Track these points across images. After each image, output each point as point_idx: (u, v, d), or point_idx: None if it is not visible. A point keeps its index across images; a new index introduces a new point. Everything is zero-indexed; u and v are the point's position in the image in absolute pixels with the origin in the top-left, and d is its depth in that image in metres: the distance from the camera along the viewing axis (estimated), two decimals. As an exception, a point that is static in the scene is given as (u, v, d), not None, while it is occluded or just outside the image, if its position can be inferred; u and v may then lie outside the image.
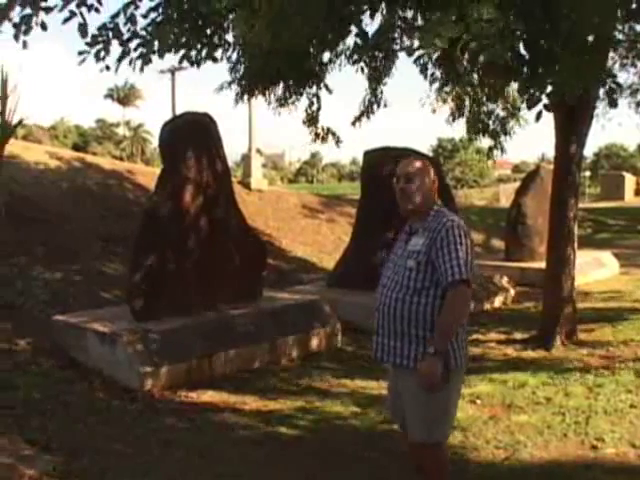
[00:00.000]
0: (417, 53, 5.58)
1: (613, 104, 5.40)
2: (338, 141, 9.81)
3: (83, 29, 6.24)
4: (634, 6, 5.49)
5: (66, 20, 6.33)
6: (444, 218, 3.47)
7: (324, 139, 9.72)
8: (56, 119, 73.09)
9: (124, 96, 74.41)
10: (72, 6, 6.29)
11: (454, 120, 10.32)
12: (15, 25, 6.19)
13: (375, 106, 9.68)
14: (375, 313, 3.58)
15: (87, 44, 6.43)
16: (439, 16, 4.81)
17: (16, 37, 6.22)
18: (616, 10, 5.42)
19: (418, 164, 3.60)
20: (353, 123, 9.87)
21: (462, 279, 3.29)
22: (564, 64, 5.08)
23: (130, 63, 6.54)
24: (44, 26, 6.28)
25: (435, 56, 7.63)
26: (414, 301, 3.39)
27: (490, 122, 9.64)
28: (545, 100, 5.34)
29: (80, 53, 6.46)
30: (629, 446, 4.81)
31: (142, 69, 6.61)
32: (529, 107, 5.38)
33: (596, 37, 5.53)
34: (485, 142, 10.82)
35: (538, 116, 5.40)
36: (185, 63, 6.95)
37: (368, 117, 9.77)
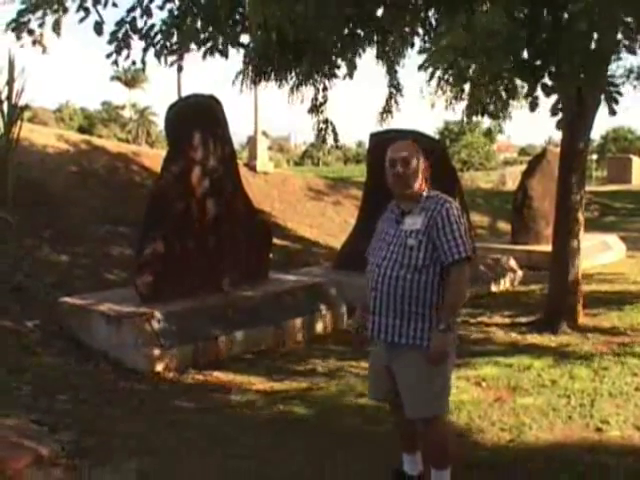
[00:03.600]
0: (429, 70, 5.53)
1: (612, 113, 5.36)
2: (336, 140, 9.67)
3: (99, 27, 6.26)
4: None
5: (82, 20, 6.35)
6: (441, 199, 3.58)
7: (324, 139, 9.59)
8: (61, 102, 73.07)
9: (131, 78, 74.12)
10: (88, 4, 6.32)
11: (456, 101, 10.14)
12: (31, 31, 6.26)
13: (398, 94, 9.59)
14: (372, 293, 3.67)
15: (109, 42, 6.46)
16: (448, 24, 4.85)
17: (34, 43, 6.27)
18: (621, 21, 5.42)
19: (411, 147, 3.68)
20: (381, 117, 9.77)
21: (467, 256, 3.46)
22: (567, 70, 5.11)
23: (156, 55, 6.56)
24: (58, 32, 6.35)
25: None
26: (415, 279, 3.49)
27: (491, 104, 9.49)
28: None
29: (108, 56, 6.51)
30: (634, 429, 4.82)
31: (166, 61, 6.63)
32: (552, 114, 5.31)
33: (599, 45, 5.50)
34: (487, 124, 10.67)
35: (559, 124, 5.33)
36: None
37: (397, 108, 9.68)
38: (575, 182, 7.69)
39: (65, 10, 6.26)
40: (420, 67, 5.53)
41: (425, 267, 3.48)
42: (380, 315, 3.62)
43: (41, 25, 6.28)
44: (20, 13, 6.22)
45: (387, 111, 9.75)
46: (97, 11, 6.40)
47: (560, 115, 5.25)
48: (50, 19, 6.25)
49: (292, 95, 8.99)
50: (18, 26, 6.25)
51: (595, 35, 5.27)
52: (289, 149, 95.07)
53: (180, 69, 6.82)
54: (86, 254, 9.15)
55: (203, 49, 6.84)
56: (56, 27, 6.28)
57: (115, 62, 6.71)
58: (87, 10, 6.35)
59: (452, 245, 3.43)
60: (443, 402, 3.63)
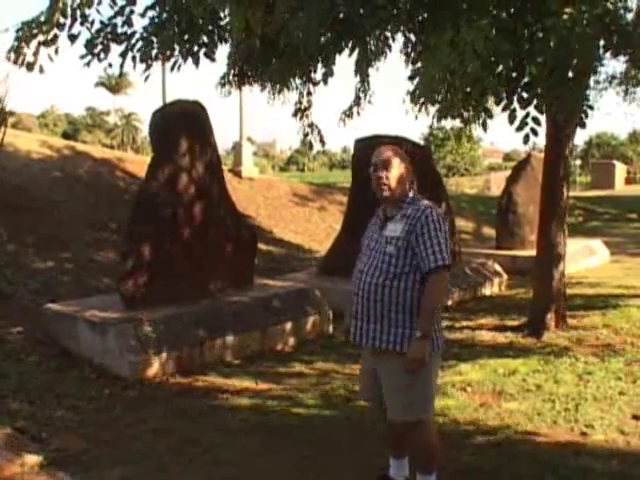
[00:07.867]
0: (420, 99, 5.56)
1: (582, 126, 5.45)
2: (323, 142, 9.58)
3: (90, 45, 6.27)
4: (615, 40, 5.52)
5: (73, 41, 6.34)
6: (422, 205, 3.57)
7: (311, 145, 9.51)
8: (46, 107, 72.79)
9: (115, 84, 73.90)
10: (76, 26, 6.33)
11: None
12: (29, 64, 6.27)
13: (364, 99, 9.50)
14: (354, 297, 3.70)
15: (85, 47, 6.44)
16: (434, 41, 4.91)
17: (31, 66, 6.26)
18: (598, 43, 5.49)
19: (393, 152, 3.68)
20: (343, 119, 9.68)
21: (444, 265, 3.42)
22: (545, 89, 5.18)
23: (133, 60, 6.53)
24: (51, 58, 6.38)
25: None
26: (394, 286, 3.50)
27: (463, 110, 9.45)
28: (532, 124, 5.33)
29: (82, 57, 6.48)
30: (618, 432, 4.84)
31: (148, 67, 6.61)
32: (517, 129, 5.36)
33: (577, 66, 5.57)
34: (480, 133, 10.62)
35: (526, 139, 5.36)
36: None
37: (358, 113, 9.59)
38: (559, 187, 7.74)
39: (60, 28, 6.25)
40: (412, 97, 5.56)
41: (405, 274, 3.49)
42: (362, 320, 3.65)
43: (36, 52, 6.27)
44: (18, 40, 6.23)
45: (349, 114, 9.63)
46: (88, 28, 6.39)
47: (525, 130, 5.29)
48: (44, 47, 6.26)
49: (273, 98, 8.95)
50: (16, 51, 6.26)
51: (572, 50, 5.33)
52: (274, 154, 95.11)
53: (147, 78, 6.77)
54: (70, 260, 9.10)
55: (179, 56, 6.81)
56: (51, 45, 6.29)
57: (88, 64, 6.65)
58: (75, 37, 6.34)
59: (430, 253, 3.41)
60: (424, 407, 3.61)
